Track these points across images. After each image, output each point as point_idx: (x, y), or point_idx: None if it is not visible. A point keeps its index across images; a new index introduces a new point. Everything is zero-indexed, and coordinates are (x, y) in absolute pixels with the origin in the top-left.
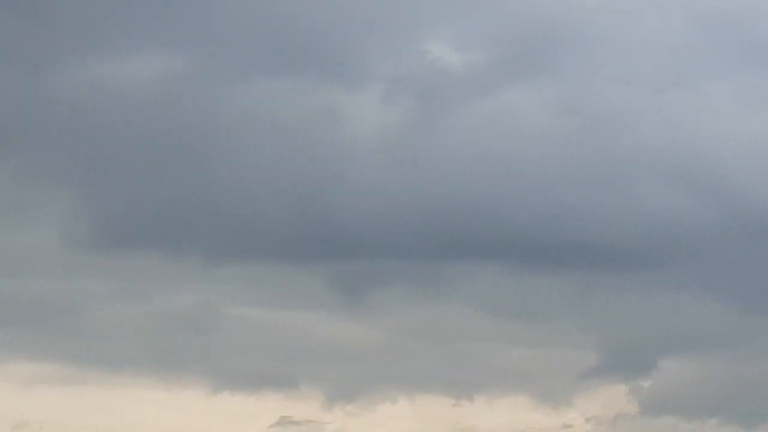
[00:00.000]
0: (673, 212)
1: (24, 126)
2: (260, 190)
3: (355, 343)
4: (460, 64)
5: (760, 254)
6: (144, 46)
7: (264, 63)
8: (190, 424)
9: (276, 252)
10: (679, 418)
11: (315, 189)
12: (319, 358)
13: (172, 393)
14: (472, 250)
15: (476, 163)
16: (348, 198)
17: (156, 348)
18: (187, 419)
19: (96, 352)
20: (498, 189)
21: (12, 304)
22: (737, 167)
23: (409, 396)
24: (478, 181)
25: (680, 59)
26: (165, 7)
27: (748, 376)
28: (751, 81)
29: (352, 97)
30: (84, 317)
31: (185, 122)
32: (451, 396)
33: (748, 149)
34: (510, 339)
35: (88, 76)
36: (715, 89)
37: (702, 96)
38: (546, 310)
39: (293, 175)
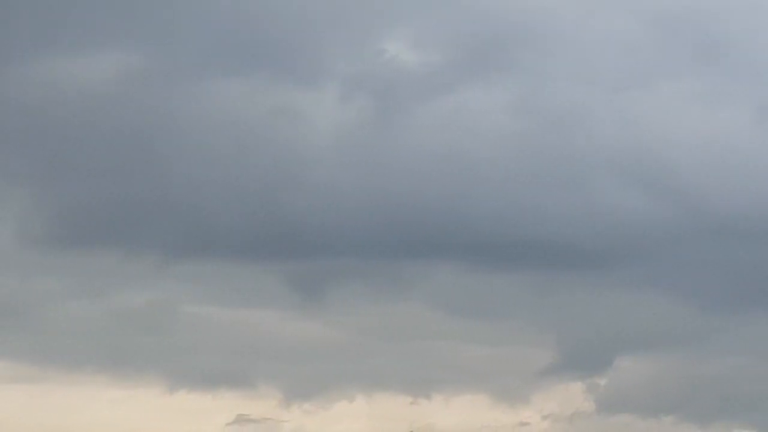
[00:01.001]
0: (629, 211)
1: None
2: (217, 188)
3: (313, 341)
4: (416, 63)
5: (715, 253)
6: (100, 45)
7: (221, 61)
8: (147, 422)
9: (233, 250)
10: (635, 416)
11: (272, 187)
12: (277, 357)
13: (128, 391)
14: (430, 248)
15: (433, 162)
16: (305, 196)
17: (113, 346)
18: (144, 417)
19: (52, 351)
20: (455, 188)
21: None
22: (693, 166)
23: (367, 394)
24: (436, 180)
25: (636, 59)
26: (121, 6)
27: (703, 375)
28: (707, 80)
29: (308, 96)
30: (40, 315)
31: (142, 121)
32: (408, 394)
33: (704, 148)
34: (467, 337)
35: (43, 74)
36: (671, 89)
37: (658, 95)
38: (503, 308)
39: (250, 174)
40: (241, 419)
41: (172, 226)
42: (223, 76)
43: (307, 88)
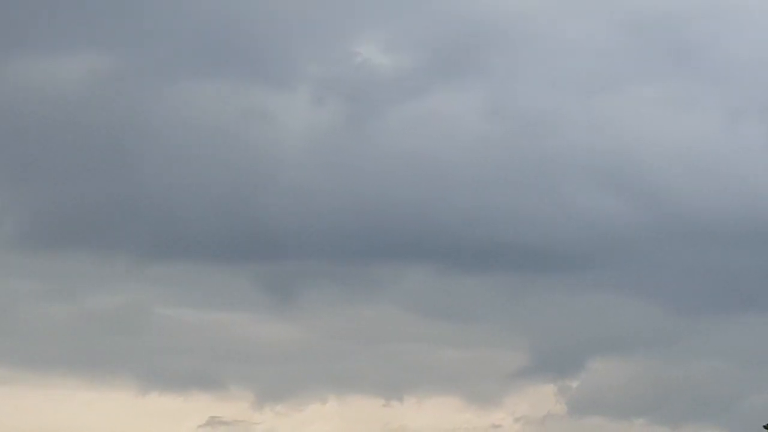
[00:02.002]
0: (600, 214)
1: None
2: (190, 190)
3: (285, 343)
4: (389, 67)
5: (686, 256)
6: (72, 46)
7: (193, 63)
8: (119, 424)
9: (206, 253)
10: (606, 418)
11: (244, 190)
12: (249, 359)
13: (101, 393)
14: (402, 251)
15: (405, 165)
16: (277, 199)
17: (85, 348)
18: (117, 419)
19: (24, 353)
20: (427, 190)
21: None
22: (665, 169)
23: (339, 396)
24: (408, 183)
25: (607, 63)
26: (93, 8)
27: (674, 377)
28: (679, 84)
29: (281, 98)
30: (12, 317)
31: (115, 122)
32: (380, 396)
33: (675, 152)
34: (440, 340)
35: (15, 76)
36: (642, 93)
37: (630, 99)
38: (475, 311)
39: (223, 176)
40: (213, 421)
41: (145, 229)
42: (197, 78)
43: (279, 91)
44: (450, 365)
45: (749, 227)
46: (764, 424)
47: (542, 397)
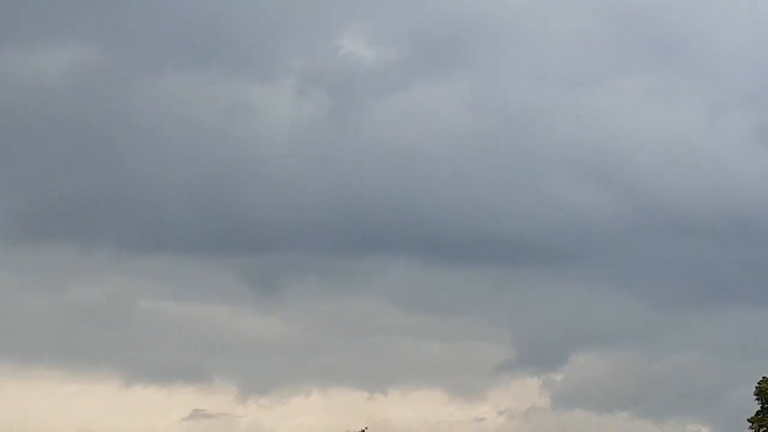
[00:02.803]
0: (584, 208)
1: None
2: (173, 183)
3: (269, 336)
4: (373, 60)
5: (670, 250)
6: (54, 38)
7: (176, 56)
8: (102, 417)
9: (189, 245)
10: (590, 411)
11: (228, 182)
12: (232, 352)
13: (84, 386)
14: (385, 244)
15: (389, 158)
16: (261, 192)
17: (68, 341)
18: (100, 412)
19: (7, 345)
20: (411, 184)
21: None
22: (649, 163)
23: (323, 389)
24: (391, 176)
25: (592, 56)
26: (78, 1)
27: (658, 371)
28: (662, 78)
29: (264, 91)
30: None
31: (97, 115)
32: (364, 389)
33: (659, 146)
34: (423, 333)
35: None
36: (626, 86)
37: (613, 93)
38: (459, 304)
39: (206, 169)
40: (196, 414)
41: (127, 221)
42: (179, 70)
43: (263, 84)
44: (434, 359)
45: (732, 221)
46: (748, 417)
47: (526, 391)
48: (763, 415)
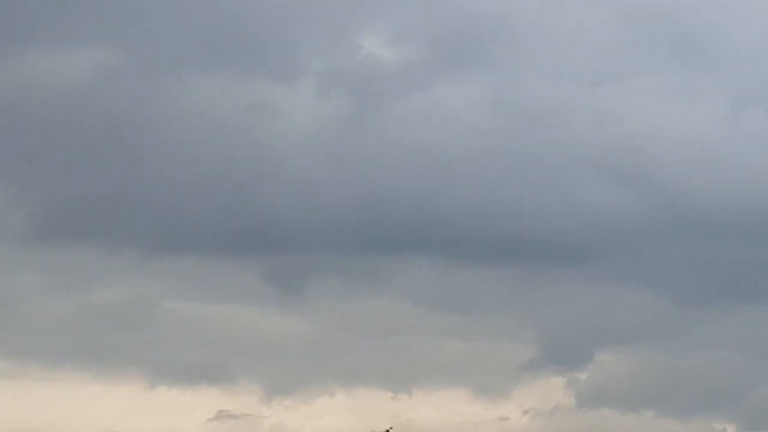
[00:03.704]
0: (606, 206)
1: None
2: (195, 184)
3: (292, 337)
4: (393, 59)
5: (693, 247)
6: (76, 41)
7: (197, 57)
8: (127, 418)
9: (211, 246)
10: (615, 410)
11: (250, 183)
12: (256, 352)
13: (109, 387)
14: (408, 243)
15: (410, 158)
16: (283, 192)
17: (93, 342)
18: (125, 413)
19: (32, 347)
20: (432, 183)
21: None
22: (669, 160)
23: (347, 389)
24: (413, 176)
25: (611, 54)
26: (96, 2)
27: (683, 369)
28: (682, 75)
29: (285, 92)
30: (20, 311)
31: (119, 117)
32: (388, 389)
33: (679, 142)
34: (447, 332)
35: (21, 71)
36: (646, 84)
37: (634, 90)
38: (482, 303)
39: (228, 170)
40: (221, 415)
41: (150, 223)
42: (200, 72)
43: (283, 84)
44: (457, 358)
45: (755, 217)
46: None
47: (550, 390)
48: None
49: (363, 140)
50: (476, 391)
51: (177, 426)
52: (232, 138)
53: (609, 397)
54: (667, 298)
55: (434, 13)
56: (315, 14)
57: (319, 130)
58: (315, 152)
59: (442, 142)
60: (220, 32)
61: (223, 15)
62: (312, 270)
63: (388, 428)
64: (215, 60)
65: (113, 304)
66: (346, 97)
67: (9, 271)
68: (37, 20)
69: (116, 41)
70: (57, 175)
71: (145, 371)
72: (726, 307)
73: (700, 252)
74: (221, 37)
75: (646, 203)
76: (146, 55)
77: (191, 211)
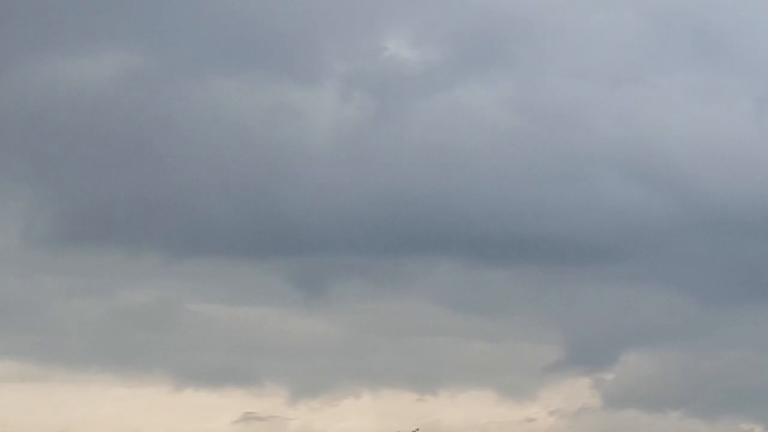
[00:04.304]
0: (630, 205)
1: None
2: (218, 186)
3: (317, 338)
4: (416, 61)
5: (718, 247)
6: (100, 45)
7: (220, 60)
8: (153, 420)
9: (235, 248)
10: (641, 411)
11: (273, 185)
12: (282, 354)
13: (134, 389)
14: (431, 244)
15: (433, 159)
16: (306, 194)
17: (118, 345)
18: (150, 415)
19: (57, 350)
20: (455, 184)
21: None
22: (693, 160)
23: (373, 391)
24: (436, 177)
25: (634, 53)
26: (120, 6)
27: (709, 369)
28: (705, 74)
29: (308, 94)
30: (45, 314)
31: (142, 120)
32: (414, 391)
33: (703, 142)
34: (472, 333)
35: (45, 75)
36: (669, 83)
37: (657, 90)
38: (507, 304)
39: (251, 172)
40: (247, 417)
41: (174, 225)
42: (223, 74)
43: (306, 86)
44: (482, 359)
45: None
46: None
47: (576, 390)
48: None
49: (386, 141)
50: (502, 392)
51: (203, 428)
52: (256, 140)
53: (635, 398)
54: (692, 298)
55: (457, 14)
56: (337, 16)
57: (342, 131)
58: (338, 154)
59: (465, 142)
60: (242, 35)
61: (245, 18)
62: (336, 271)
63: (414, 429)
64: (238, 62)
65: (138, 306)
66: (369, 98)
67: (34, 274)
68: (61, 24)
69: (140, 45)
70: (81, 178)
71: (170, 373)
72: (752, 306)
73: (724, 252)
74: (244, 39)
75: (669, 203)
76: (170, 59)
77: (215, 213)
